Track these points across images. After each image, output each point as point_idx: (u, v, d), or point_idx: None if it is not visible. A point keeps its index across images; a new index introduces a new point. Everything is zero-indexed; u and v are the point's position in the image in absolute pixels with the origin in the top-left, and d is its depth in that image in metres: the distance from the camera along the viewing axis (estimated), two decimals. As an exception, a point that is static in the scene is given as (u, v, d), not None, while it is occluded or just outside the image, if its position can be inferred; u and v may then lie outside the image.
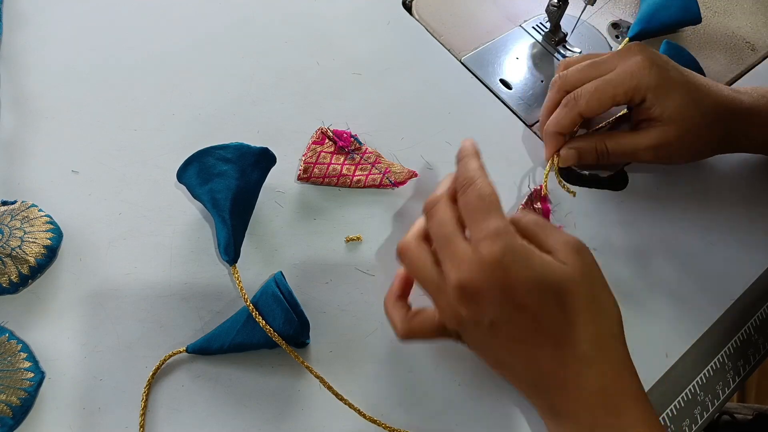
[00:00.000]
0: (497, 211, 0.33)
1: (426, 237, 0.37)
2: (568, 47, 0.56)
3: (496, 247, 0.32)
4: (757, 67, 0.58)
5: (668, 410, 0.41)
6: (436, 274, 0.34)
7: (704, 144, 0.47)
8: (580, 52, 0.56)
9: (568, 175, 0.50)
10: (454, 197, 0.36)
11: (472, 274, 0.32)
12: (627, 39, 0.58)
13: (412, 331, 0.37)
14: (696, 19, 0.58)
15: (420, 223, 0.38)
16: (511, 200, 0.48)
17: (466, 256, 0.33)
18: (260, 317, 0.38)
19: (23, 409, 0.36)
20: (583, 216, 0.47)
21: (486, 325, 0.33)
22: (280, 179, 0.46)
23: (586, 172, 0.50)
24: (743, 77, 0.57)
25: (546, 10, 0.55)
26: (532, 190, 0.47)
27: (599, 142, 0.47)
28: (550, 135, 0.47)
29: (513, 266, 0.32)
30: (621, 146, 0.46)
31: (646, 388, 0.41)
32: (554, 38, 0.56)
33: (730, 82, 0.57)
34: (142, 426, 0.37)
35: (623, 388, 0.34)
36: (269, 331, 0.37)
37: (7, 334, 0.38)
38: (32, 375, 0.37)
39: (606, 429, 0.33)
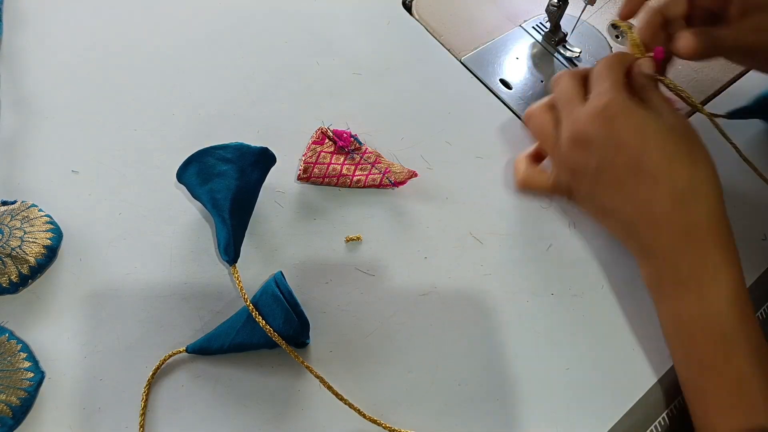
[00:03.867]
0: (616, 74, 0.39)
1: (551, 107, 0.43)
2: (568, 47, 0.56)
3: (603, 99, 0.38)
4: (757, 67, 0.58)
5: (668, 410, 0.41)
6: (554, 132, 0.41)
7: None
8: (580, 52, 0.56)
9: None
10: (581, 75, 0.42)
11: (583, 125, 0.39)
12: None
13: (529, 180, 0.43)
14: None
15: (546, 99, 0.44)
16: (511, 200, 0.48)
17: (581, 112, 0.39)
18: (260, 317, 0.38)
19: (23, 409, 0.36)
20: (580, 215, 0.48)
21: (593, 169, 0.39)
22: (280, 179, 0.46)
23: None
24: (743, 77, 0.57)
25: (546, 10, 0.55)
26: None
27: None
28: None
29: (618, 114, 0.38)
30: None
31: (646, 388, 0.41)
32: (554, 38, 0.56)
33: (730, 83, 0.57)
34: (142, 426, 0.37)
35: (712, 231, 0.37)
36: (269, 331, 0.37)
37: (7, 334, 0.38)
38: (32, 375, 0.37)
39: (691, 266, 0.37)
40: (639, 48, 0.43)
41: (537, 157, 0.45)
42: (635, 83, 0.41)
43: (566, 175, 0.41)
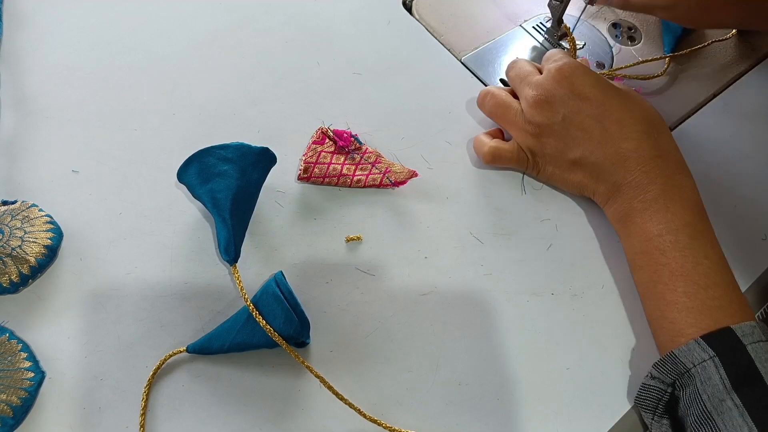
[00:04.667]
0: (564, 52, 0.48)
1: (504, 88, 0.49)
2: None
3: (560, 63, 0.45)
4: (756, 67, 0.58)
5: (668, 410, 0.41)
6: (513, 103, 0.47)
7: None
8: (583, 45, 0.56)
9: None
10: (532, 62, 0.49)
11: (545, 87, 0.44)
12: None
13: (495, 150, 0.47)
14: None
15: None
16: (510, 199, 0.48)
17: (540, 78, 0.45)
18: (260, 317, 0.38)
19: (23, 408, 0.36)
20: (580, 215, 0.48)
21: (559, 123, 0.44)
22: (281, 179, 0.46)
23: None
24: (743, 77, 0.57)
25: (548, 5, 0.55)
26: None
27: None
28: None
29: (576, 73, 0.44)
30: None
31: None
32: (556, 34, 0.56)
33: (730, 82, 0.57)
34: (142, 426, 0.37)
35: (672, 155, 0.43)
36: (269, 331, 0.37)
37: (7, 334, 0.38)
38: (32, 375, 0.37)
39: (660, 188, 0.41)
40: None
41: (495, 135, 0.49)
42: None
43: (530, 139, 0.46)
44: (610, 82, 0.45)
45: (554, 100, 0.44)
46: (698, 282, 0.39)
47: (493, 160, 0.47)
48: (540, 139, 0.45)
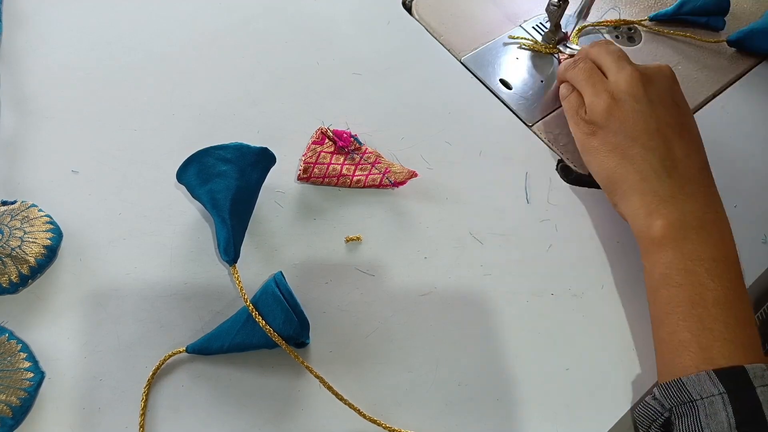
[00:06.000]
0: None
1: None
2: (568, 47, 0.56)
3: (651, 66, 0.46)
4: (756, 67, 0.58)
5: (668, 410, 0.41)
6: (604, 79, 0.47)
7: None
8: (580, 52, 0.56)
9: (568, 175, 0.50)
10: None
11: (643, 75, 0.45)
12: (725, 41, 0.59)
13: (569, 98, 0.48)
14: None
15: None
16: (511, 200, 0.48)
17: (634, 69, 0.45)
18: (260, 317, 0.38)
19: (23, 409, 0.36)
20: (580, 216, 0.48)
21: (642, 112, 0.43)
22: (280, 179, 0.46)
23: (587, 172, 0.50)
24: (743, 77, 0.57)
25: (546, 10, 0.55)
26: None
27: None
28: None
29: (674, 80, 0.46)
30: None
31: (646, 387, 0.41)
32: (554, 38, 0.56)
33: (731, 82, 0.57)
34: (142, 426, 0.37)
35: (709, 176, 0.44)
36: (269, 331, 0.37)
37: (7, 334, 0.38)
38: (32, 375, 0.37)
39: (717, 215, 0.41)
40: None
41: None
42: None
43: (603, 112, 0.44)
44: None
45: (652, 84, 0.44)
46: (738, 316, 0.38)
47: (565, 96, 0.49)
48: (613, 116, 0.44)
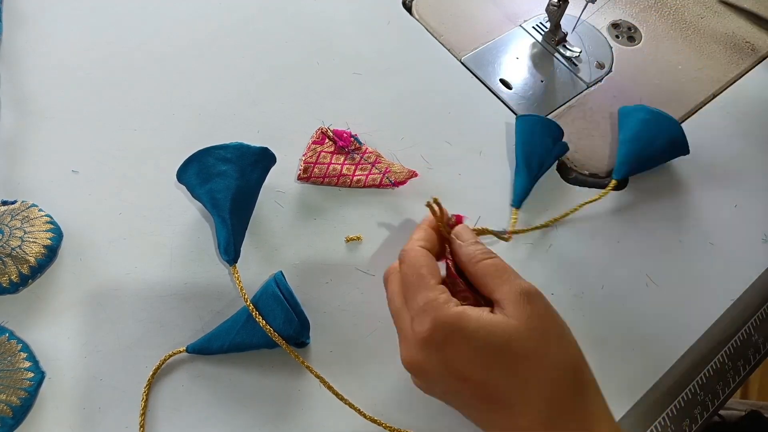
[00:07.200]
0: (428, 280, 0.33)
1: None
2: (568, 47, 0.56)
3: (426, 325, 0.31)
4: (756, 67, 0.58)
5: (668, 410, 0.41)
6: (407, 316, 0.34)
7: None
8: (580, 52, 0.56)
9: (568, 175, 0.50)
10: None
11: (413, 355, 0.32)
12: (613, 182, 0.48)
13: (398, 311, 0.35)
14: (684, 150, 0.49)
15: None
16: (510, 200, 0.48)
17: (407, 334, 0.33)
18: (260, 317, 0.38)
19: (23, 408, 0.36)
20: (580, 216, 0.48)
21: (439, 394, 0.34)
22: (280, 179, 0.46)
23: (587, 172, 0.50)
24: (743, 78, 0.57)
25: (546, 10, 0.55)
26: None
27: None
28: None
29: (446, 341, 0.31)
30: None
31: (646, 388, 0.41)
32: (554, 38, 0.56)
33: (730, 83, 0.57)
34: (142, 426, 0.37)
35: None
36: (269, 331, 0.37)
37: (7, 334, 0.38)
38: (32, 375, 0.37)
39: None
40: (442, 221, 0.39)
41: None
42: (472, 271, 0.36)
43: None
44: (497, 320, 0.31)
45: (426, 374, 0.32)
46: None
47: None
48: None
